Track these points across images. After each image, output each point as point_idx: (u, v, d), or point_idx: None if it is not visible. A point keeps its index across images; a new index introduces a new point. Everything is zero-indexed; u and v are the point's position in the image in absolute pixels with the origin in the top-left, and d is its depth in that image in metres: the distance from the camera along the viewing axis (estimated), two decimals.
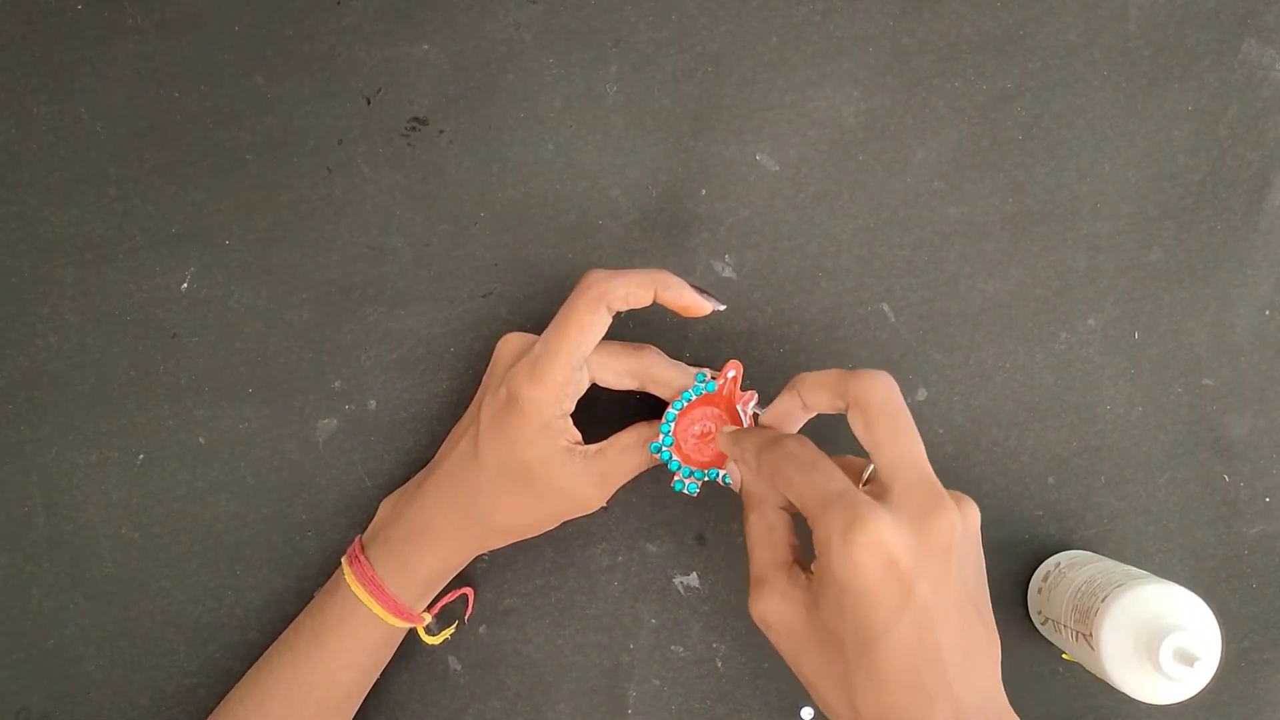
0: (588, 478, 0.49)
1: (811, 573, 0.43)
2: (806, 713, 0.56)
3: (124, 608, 0.56)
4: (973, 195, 0.57)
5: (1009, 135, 0.57)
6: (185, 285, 0.57)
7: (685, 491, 0.50)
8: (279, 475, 0.56)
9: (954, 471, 0.56)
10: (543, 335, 0.48)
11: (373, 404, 0.57)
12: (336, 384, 0.57)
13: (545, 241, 0.57)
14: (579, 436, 0.50)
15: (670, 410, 0.50)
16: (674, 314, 0.56)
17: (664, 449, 0.50)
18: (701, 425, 0.50)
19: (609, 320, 0.47)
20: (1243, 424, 0.56)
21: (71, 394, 0.56)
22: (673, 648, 0.56)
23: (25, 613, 0.56)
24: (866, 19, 0.57)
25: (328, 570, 0.56)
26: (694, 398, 0.50)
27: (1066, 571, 0.52)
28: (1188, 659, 0.44)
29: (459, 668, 0.56)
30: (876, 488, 0.42)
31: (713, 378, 0.50)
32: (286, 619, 0.54)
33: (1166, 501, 0.56)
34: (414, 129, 0.57)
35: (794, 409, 0.47)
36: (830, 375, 0.45)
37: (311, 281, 0.57)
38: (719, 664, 0.56)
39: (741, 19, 0.57)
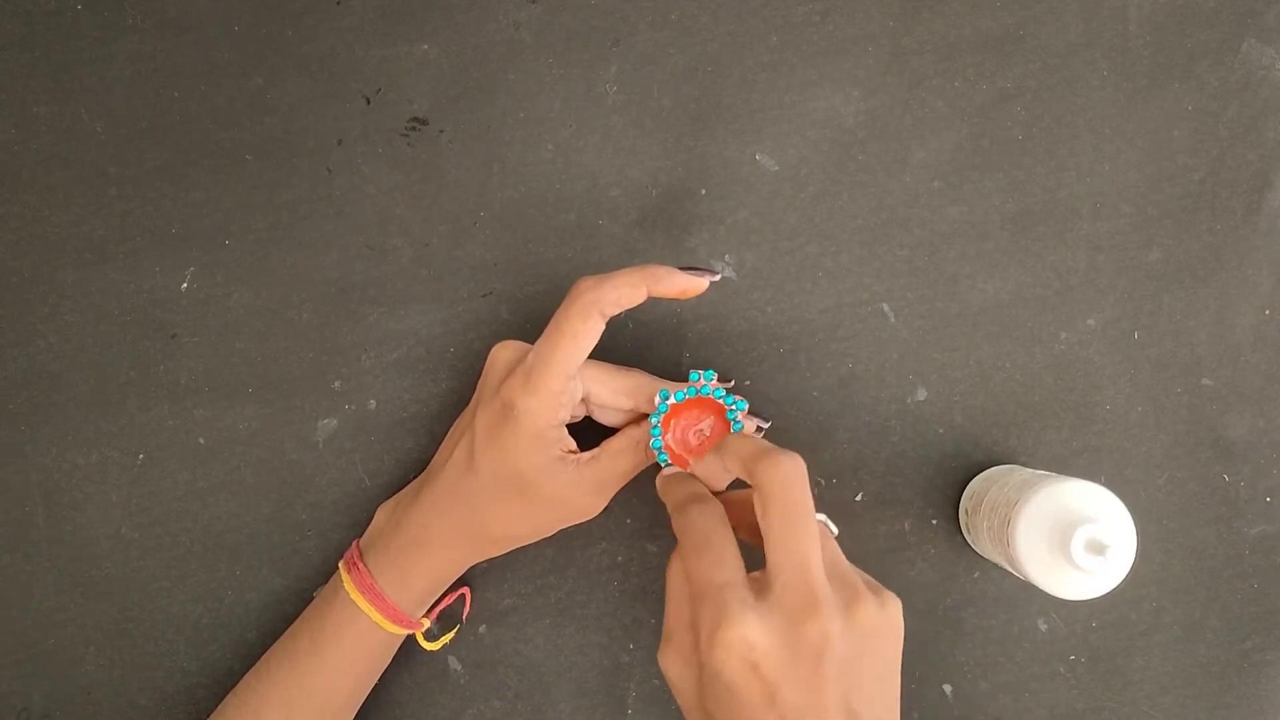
0: (583, 486, 0.49)
1: None
2: None
3: (123, 608, 0.56)
4: (973, 195, 0.57)
5: (1009, 135, 0.57)
6: (185, 285, 0.57)
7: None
8: (279, 475, 0.56)
9: (953, 471, 0.56)
10: (536, 345, 0.48)
11: (373, 404, 0.57)
12: (336, 384, 0.57)
13: (545, 241, 0.57)
14: (573, 445, 0.50)
15: (654, 414, 0.50)
16: (675, 302, 0.56)
17: (660, 450, 0.50)
18: (697, 429, 0.50)
19: (602, 326, 0.47)
20: (1243, 424, 0.56)
21: (71, 394, 0.56)
22: None
23: (25, 613, 0.56)
24: (866, 19, 0.57)
25: (327, 571, 0.56)
26: (678, 400, 0.50)
27: (993, 481, 0.53)
28: (1098, 549, 0.45)
29: (459, 668, 0.56)
30: (763, 579, 0.42)
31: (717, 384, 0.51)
32: (286, 619, 0.54)
33: (1166, 501, 0.56)
34: (414, 129, 0.57)
35: (717, 469, 0.48)
36: (747, 447, 0.44)
37: (311, 281, 0.57)
38: None
39: (741, 19, 0.57)
